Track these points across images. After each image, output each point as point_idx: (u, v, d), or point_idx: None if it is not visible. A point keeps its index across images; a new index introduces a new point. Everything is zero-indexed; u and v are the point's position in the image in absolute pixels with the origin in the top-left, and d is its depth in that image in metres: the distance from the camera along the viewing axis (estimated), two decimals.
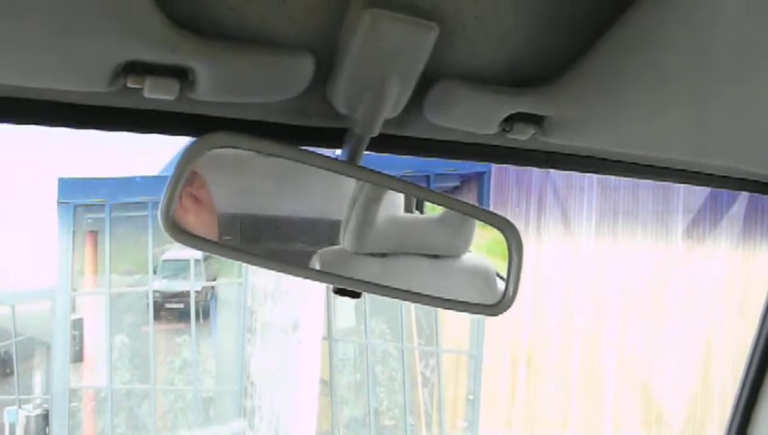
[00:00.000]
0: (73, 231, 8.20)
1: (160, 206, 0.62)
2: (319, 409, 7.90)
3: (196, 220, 0.64)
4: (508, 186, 8.46)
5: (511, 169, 8.43)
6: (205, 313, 8.54)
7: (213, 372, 8.49)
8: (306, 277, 0.61)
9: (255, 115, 0.61)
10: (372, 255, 0.64)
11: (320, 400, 7.93)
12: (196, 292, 8.39)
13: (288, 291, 7.64)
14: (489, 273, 0.67)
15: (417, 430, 8.59)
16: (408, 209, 0.64)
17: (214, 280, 8.70)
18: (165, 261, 8.54)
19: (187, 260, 8.28)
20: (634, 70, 0.56)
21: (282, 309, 7.84)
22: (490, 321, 8.54)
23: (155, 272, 8.42)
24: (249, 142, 0.60)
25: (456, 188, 8.34)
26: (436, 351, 8.67)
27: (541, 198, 8.44)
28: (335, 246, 0.63)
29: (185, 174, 0.61)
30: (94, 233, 8.37)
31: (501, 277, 0.67)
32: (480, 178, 8.26)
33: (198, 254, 8.13)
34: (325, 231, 0.63)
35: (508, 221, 0.63)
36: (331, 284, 0.62)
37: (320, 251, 0.62)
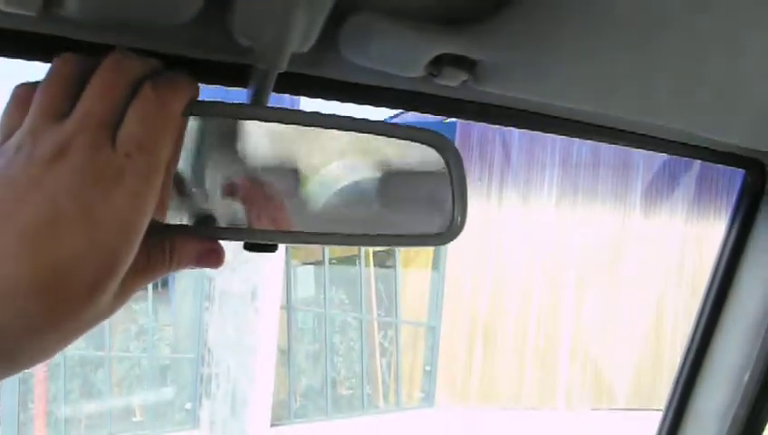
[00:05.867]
0: None
1: None
2: (276, 377, 7.90)
3: None
4: (471, 159, 8.46)
5: (474, 142, 8.42)
6: (163, 280, 8.42)
7: (170, 339, 8.41)
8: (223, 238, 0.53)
9: (140, 42, 0.51)
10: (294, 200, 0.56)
11: (277, 368, 7.92)
12: None
13: (247, 259, 7.57)
14: (432, 198, 0.58)
15: (373, 399, 8.65)
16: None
17: None
18: None
19: None
20: (577, 13, 0.50)
21: (240, 277, 7.78)
22: (449, 293, 8.59)
23: None
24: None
25: None
26: (395, 322, 8.70)
27: (503, 171, 8.47)
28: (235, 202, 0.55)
29: None
30: None
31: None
32: None
33: None
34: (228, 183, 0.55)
35: (441, 136, 0.54)
36: (243, 240, 0.54)
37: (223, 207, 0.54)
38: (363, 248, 8.50)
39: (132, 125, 0.46)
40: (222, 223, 0.53)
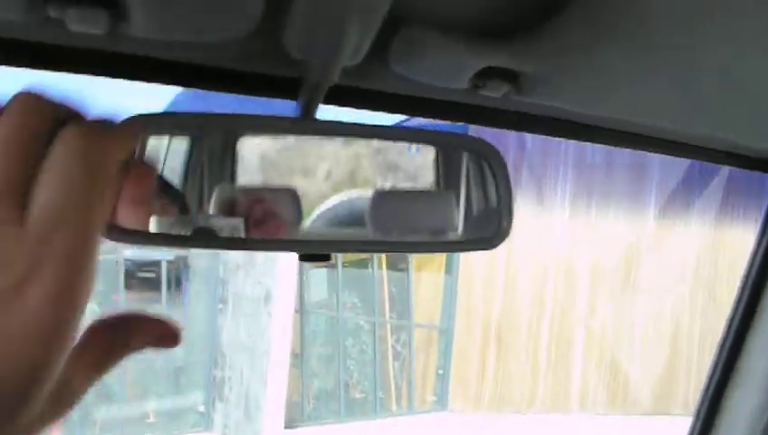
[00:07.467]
0: None
1: None
2: (289, 380, 7.91)
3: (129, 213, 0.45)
4: None
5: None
6: (177, 282, 8.46)
7: (183, 341, 8.43)
8: (266, 250, 0.55)
9: (197, 58, 0.53)
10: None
11: (290, 371, 7.93)
12: (169, 261, 8.29)
13: (260, 262, 7.60)
14: (477, 204, 0.59)
15: (386, 403, 8.64)
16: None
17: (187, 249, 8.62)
18: None
19: None
20: (619, 27, 0.52)
21: (254, 280, 7.80)
22: (462, 296, 8.58)
23: None
24: (173, 120, 0.50)
25: None
26: (408, 325, 8.70)
27: (516, 173, 8.46)
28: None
29: None
30: None
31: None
32: None
33: None
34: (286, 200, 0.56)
35: (485, 142, 0.56)
36: (297, 251, 0.54)
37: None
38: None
39: (47, 192, 0.33)
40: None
